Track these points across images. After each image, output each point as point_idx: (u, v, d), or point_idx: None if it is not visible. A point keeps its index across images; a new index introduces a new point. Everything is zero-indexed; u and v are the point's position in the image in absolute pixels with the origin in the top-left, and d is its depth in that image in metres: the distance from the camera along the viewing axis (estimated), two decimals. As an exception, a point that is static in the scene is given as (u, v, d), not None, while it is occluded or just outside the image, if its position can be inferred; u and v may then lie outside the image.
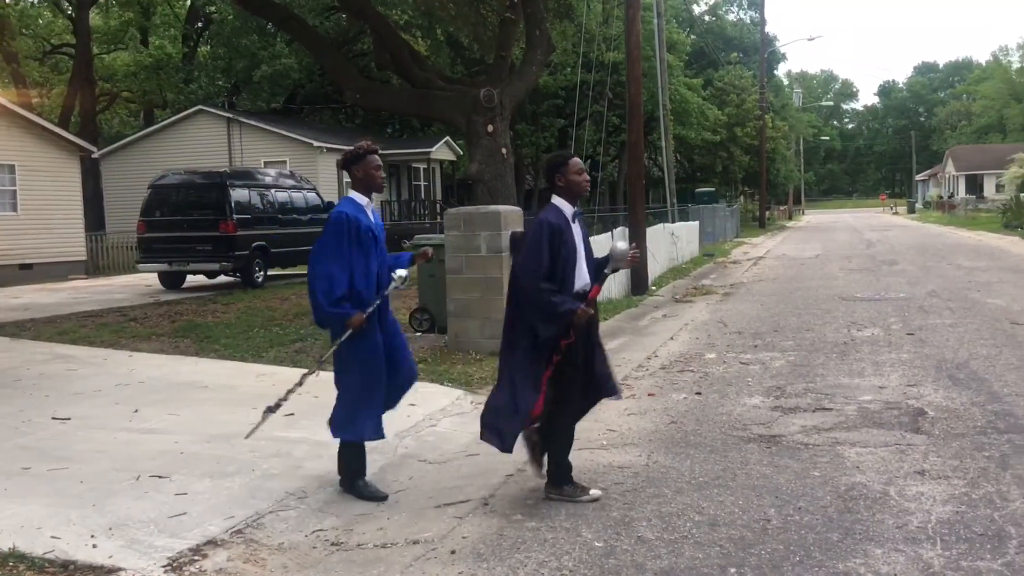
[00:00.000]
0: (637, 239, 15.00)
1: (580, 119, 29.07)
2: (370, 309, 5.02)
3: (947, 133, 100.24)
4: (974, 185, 69.00)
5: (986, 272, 17.29)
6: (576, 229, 4.98)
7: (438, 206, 29.94)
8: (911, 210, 72.05)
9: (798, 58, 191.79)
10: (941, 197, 68.64)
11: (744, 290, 16.00)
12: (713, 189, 39.52)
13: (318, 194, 20.07)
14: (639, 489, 5.11)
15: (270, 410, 5.12)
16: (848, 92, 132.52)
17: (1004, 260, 20.31)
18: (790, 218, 63.61)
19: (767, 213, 47.15)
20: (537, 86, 27.83)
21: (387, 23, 16.19)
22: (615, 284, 14.55)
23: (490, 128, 13.85)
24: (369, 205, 5.25)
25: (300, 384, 5.19)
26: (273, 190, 18.11)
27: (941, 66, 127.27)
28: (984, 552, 4.03)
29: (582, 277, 4.96)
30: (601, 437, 6.29)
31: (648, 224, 18.06)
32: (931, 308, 12.14)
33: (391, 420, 6.76)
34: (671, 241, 20.13)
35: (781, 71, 69.35)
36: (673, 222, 22.87)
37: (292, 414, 6.93)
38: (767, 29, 46.43)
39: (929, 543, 4.16)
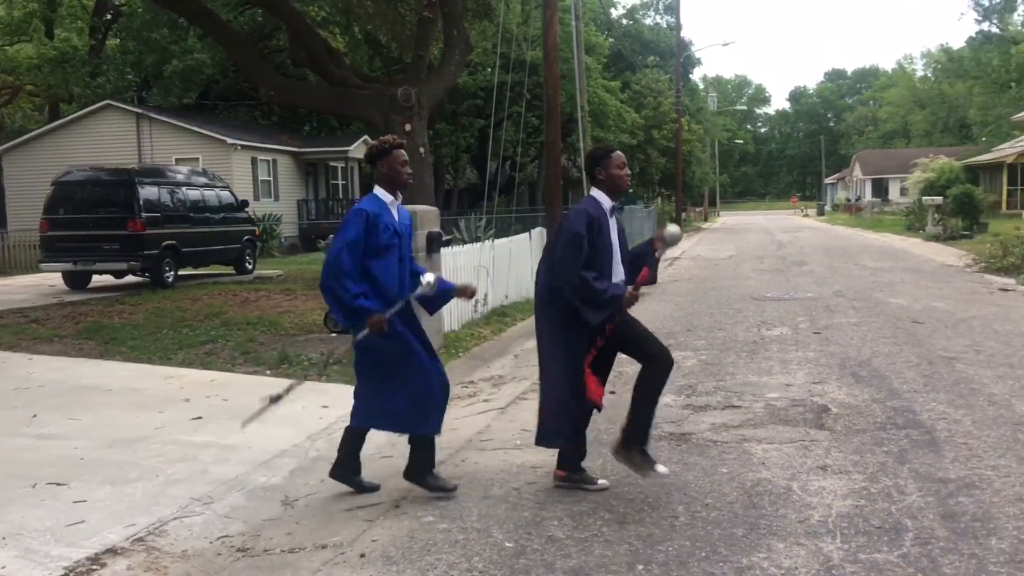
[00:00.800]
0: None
1: (500, 119, 29.13)
2: (392, 310, 4.89)
3: (855, 138, 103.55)
4: (880, 188, 71.40)
5: (890, 272, 17.89)
6: (613, 224, 4.99)
7: (356, 205, 29.62)
8: (821, 212, 74.20)
9: (713, 63, 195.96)
10: (849, 200, 70.87)
11: (659, 290, 16.22)
12: (631, 190, 40.02)
13: (232, 192, 19.66)
14: (551, 489, 5.13)
15: (273, 400, 5.02)
16: (761, 97, 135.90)
17: (907, 261, 21.06)
18: (706, 219, 64.87)
19: (683, 214, 47.98)
20: (456, 86, 27.78)
21: (303, 19, 15.96)
22: (532, 284, 14.60)
23: (408, 127, 13.77)
24: (394, 203, 5.10)
25: (292, 388, 5.23)
26: (184, 188, 17.66)
27: (849, 73, 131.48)
28: (881, 544, 4.16)
29: (617, 273, 4.96)
30: (515, 437, 6.31)
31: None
32: (837, 307, 12.50)
33: (301, 421, 6.68)
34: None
35: (697, 75, 70.85)
36: (591, 223, 23.06)
37: (200, 417, 6.78)
38: (683, 34, 47.25)
39: (829, 536, 4.28)
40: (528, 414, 6.95)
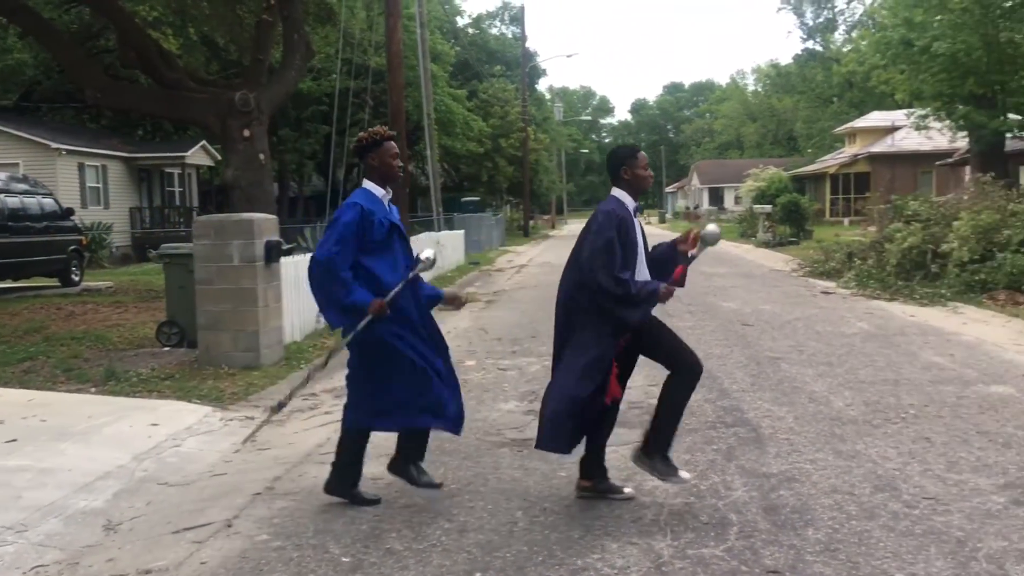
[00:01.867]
0: (400, 248, 15.00)
1: (346, 126, 28.75)
2: (392, 293, 4.73)
3: (693, 148, 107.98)
4: (716, 197, 74.69)
5: (723, 278, 18.70)
6: (636, 224, 4.91)
7: (194, 213, 28.53)
8: (662, 220, 76.91)
9: (559, 74, 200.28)
10: (687, 208, 73.81)
11: (506, 297, 16.40)
12: (479, 198, 40.39)
13: (56, 200, 18.53)
14: (392, 500, 5.07)
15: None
16: (605, 108, 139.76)
17: (740, 267, 22.09)
18: (553, 227, 66.07)
19: (531, 222, 48.77)
20: (300, 91, 27.21)
21: (132, 19, 15.24)
22: (378, 293, 14.45)
23: (247, 132, 13.38)
24: (386, 197, 4.94)
25: (324, 366, 5.22)
26: (2, 195, 16.52)
27: (687, 86, 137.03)
28: (708, 540, 4.31)
29: (642, 272, 4.85)
30: (356, 449, 6.19)
31: (413, 233, 18.12)
32: (674, 312, 12.93)
33: (128, 440, 6.35)
34: (436, 249, 20.26)
35: (543, 85, 72.08)
36: (439, 231, 23.07)
37: (15, 440, 6.34)
38: (528, 44, 48.10)
39: (660, 534, 4.40)
40: (370, 425, 6.87)
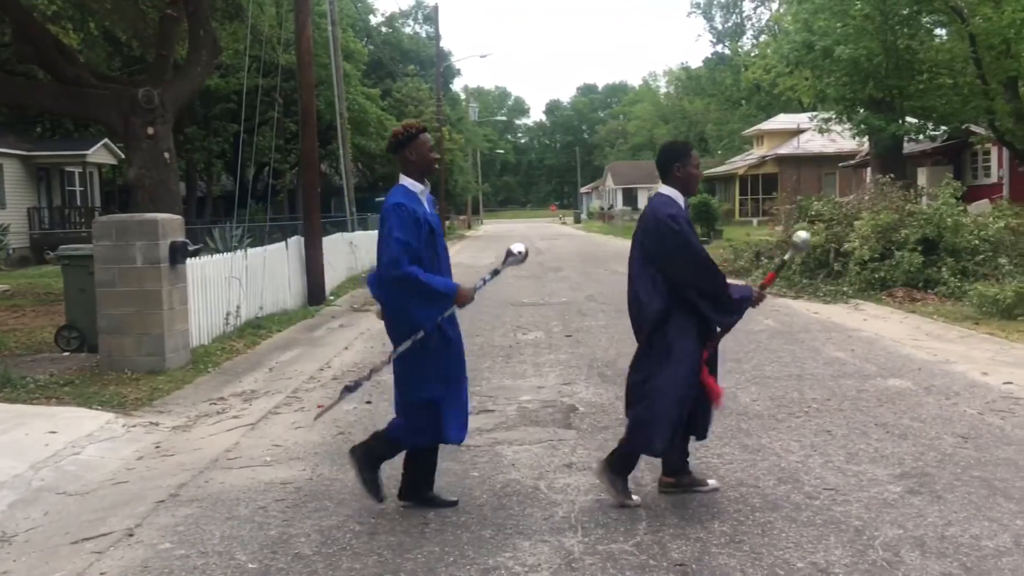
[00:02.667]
0: (313, 249, 14.80)
1: (256, 124, 28.19)
2: (483, 282, 4.76)
3: (607, 149, 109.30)
4: (630, 197, 75.75)
5: (636, 276, 18.93)
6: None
7: (96, 213, 27.61)
8: (577, 220, 77.57)
9: (474, 74, 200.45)
10: (602, 208, 74.64)
11: (421, 298, 16.29)
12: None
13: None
14: (301, 504, 4.98)
15: (348, 390, 4.86)
16: (521, 108, 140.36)
17: (652, 265, 22.41)
18: (469, 227, 66.07)
19: (447, 223, 48.65)
20: (207, 88, 26.60)
21: (27, 12, 14.63)
22: (290, 294, 14.23)
23: (150, 131, 13.00)
24: (424, 192, 4.76)
25: (376, 371, 4.99)
26: None
27: (600, 88, 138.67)
28: (618, 535, 4.36)
29: None
30: (265, 453, 6.08)
31: (326, 233, 17.88)
32: (588, 311, 13.09)
33: (24, 449, 6.10)
34: (350, 250, 20.07)
35: (457, 85, 71.97)
36: (353, 231, 22.82)
37: (-101, 452, 6.03)
38: (443, 44, 47.94)
39: (571, 531, 4.43)
40: (280, 428, 6.77)
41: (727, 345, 9.66)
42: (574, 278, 19.30)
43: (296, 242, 14.72)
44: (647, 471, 5.34)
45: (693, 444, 5.87)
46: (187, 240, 9.50)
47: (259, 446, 6.28)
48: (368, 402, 7.52)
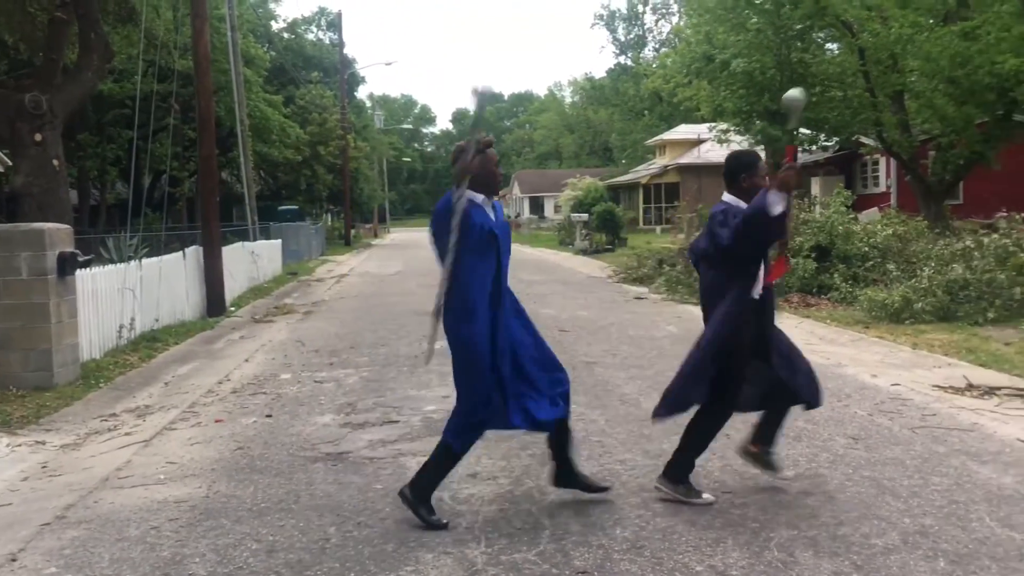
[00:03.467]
0: (212, 259, 14.43)
1: (153, 131, 27.34)
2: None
3: (514, 158, 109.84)
4: (537, 206, 76.24)
5: (542, 285, 19.11)
6: None
7: (-18, 223, 26.33)
8: (484, 228, 77.62)
9: (379, 82, 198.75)
10: (509, 216, 75.00)
11: (326, 308, 16.07)
12: (297, 207, 39.38)
13: None
14: (196, 523, 4.82)
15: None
16: (427, 117, 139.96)
17: (558, 274, 22.63)
18: (376, 236, 65.50)
19: (353, 231, 48.12)
20: (101, 93, 25.70)
21: (-95, 11, 13.91)
22: (188, 306, 13.83)
23: (38, 137, 12.48)
24: (487, 203, 4.76)
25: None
26: None
27: (507, 97, 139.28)
28: (521, 545, 4.35)
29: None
30: (159, 471, 5.87)
31: (226, 242, 17.46)
32: (494, 319, 13.08)
33: None
34: (251, 260, 19.64)
35: (363, 93, 71.29)
36: (254, 240, 22.35)
37: None
38: (347, 51, 47.48)
39: (475, 542, 4.40)
40: (175, 444, 6.55)
41: (630, 351, 9.87)
42: (481, 286, 19.24)
43: (194, 252, 14.32)
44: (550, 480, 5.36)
45: (598, 449, 5.94)
46: (77, 251, 9.13)
47: (153, 464, 6.06)
48: (269, 416, 7.35)
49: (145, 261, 12.21)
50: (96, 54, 13.88)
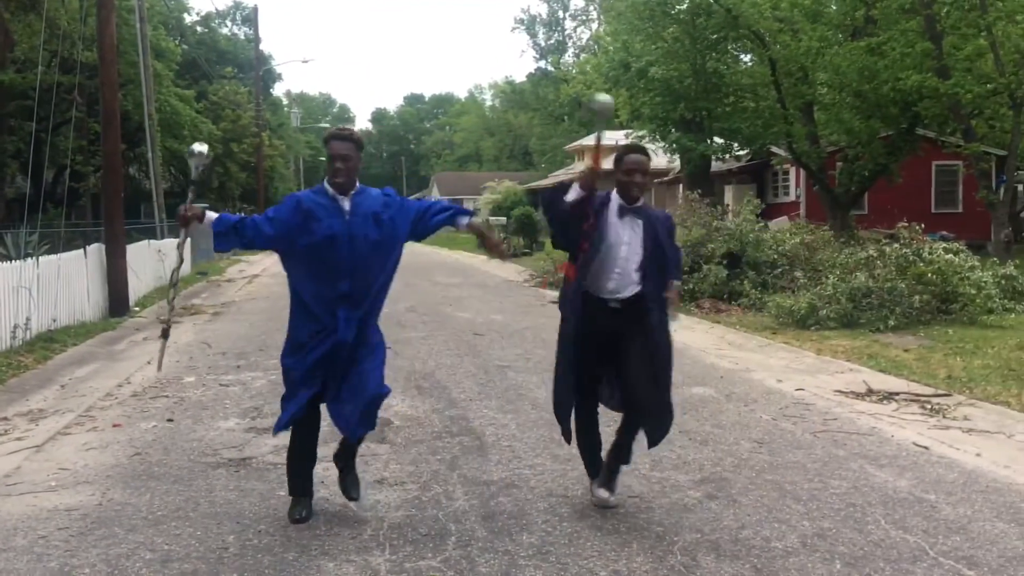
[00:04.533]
0: (115, 257, 13.96)
1: (57, 124, 26.41)
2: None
3: (433, 160, 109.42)
4: (455, 208, 75.97)
5: (459, 288, 19.03)
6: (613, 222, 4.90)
7: None
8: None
9: (296, 79, 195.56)
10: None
11: (235, 309, 15.70)
12: (207, 205, 38.41)
13: None
14: (87, 532, 4.62)
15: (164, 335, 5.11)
16: (345, 116, 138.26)
17: (475, 277, 22.58)
18: (291, 236, 64.24)
19: (267, 231, 47.09)
20: (1, 84, 24.68)
21: None
22: (89, 305, 13.34)
23: (-71, 126, 11.86)
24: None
25: None
26: None
27: (427, 98, 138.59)
28: (426, 551, 4.29)
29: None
30: (51, 478, 5.62)
31: (132, 240, 16.93)
32: (408, 322, 12.97)
33: None
34: (158, 258, 19.06)
35: (279, 90, 70.29)
36: (161, 239, 21.71)
37: None
38: (263, 47, 46.58)
39: (379, 550, 4.32)
40: (69, 449, 6.29)
41: (544, 355, 9.86)
42: (395, 288, 18.78)
43: (96, 249, 13.82)
44: (458, 485, 5.30)
45: (507, 454, 5.91)
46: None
47: (44, 470, 5.80)
48: (170, 420, 7.12)
49: (43, 259, 11.72)
50: (-6, 42, 13.29)
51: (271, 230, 4.70)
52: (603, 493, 4.85)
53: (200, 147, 4.92)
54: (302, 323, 4.81)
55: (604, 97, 4.65)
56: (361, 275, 4.65)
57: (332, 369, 4.71)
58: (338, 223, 4.60)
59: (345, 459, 5.01)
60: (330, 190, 4.67)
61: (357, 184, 4.71)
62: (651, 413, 4.74)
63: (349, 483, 4.98)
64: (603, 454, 4.98)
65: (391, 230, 4.72)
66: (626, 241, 4.68)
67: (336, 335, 4.65)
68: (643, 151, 4.86)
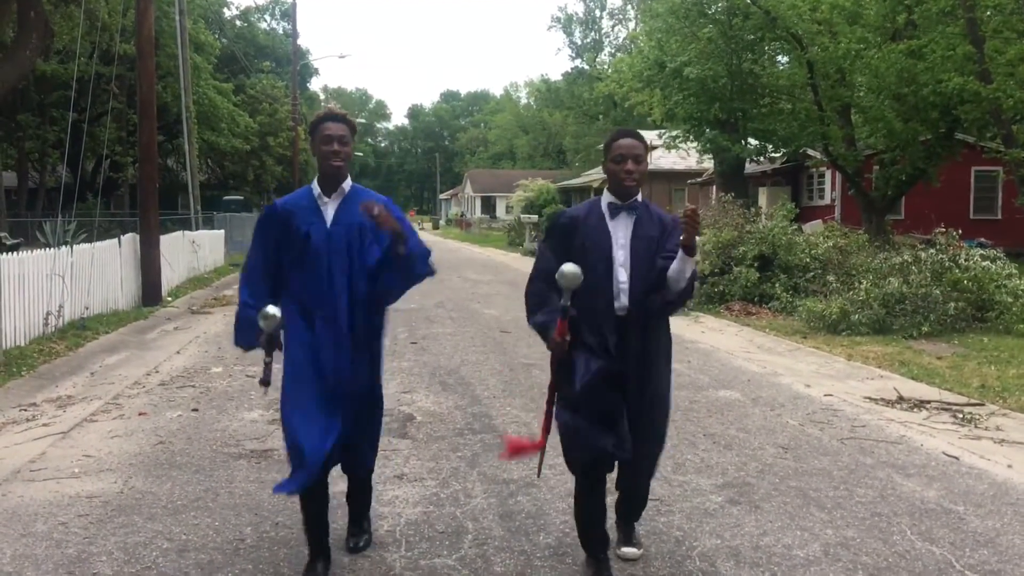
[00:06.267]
0: (149, 247, 14.10)
1: (98, 115, 26.72)
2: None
3: (467, 157, 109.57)
4: (488, 205, 76.12)
5: (488, 285, 19.02)
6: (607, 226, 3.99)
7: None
8: (436, 226, 77.45)
9: (333, 74, 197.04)
10: (461, 215, 74.80)
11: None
12: (243, 198, 38.72)
13: None
14: (107, 519, 4.65)
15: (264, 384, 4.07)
16: (382, 112, 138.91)
17: (505, 274, 22.55)
18: (324, 230, 64.66)
19: (301, 224, 47.40)
20: (44, 74, 25.07)
21: None
22: (122, 294, 13.48)
23: (-30, 115, 12.03)
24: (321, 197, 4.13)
25: None
26: None
27: (463, 95, 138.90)
28: (442, 549, 4.26)
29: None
30: (74, 464, 5.67)
31: (167, 231, 17.10)
32: (436, 318, 12.98)
33: None
34: (192, 249, 19.25)
35: (316, 85, 70.49)
36: (197, 229, 21.91)
37: None
38: (300, 42, 46.88)
39: (395, 545, 4.30)
40: (94, 436, 6.35)
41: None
42: (425, 284, 19.02)
43: (131, 239, 13.97)
44: (477, 483, 5.27)
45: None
46: (4, 233, 8.83)
47: (68, 456, 5.86)
48: (195, 410, 7.16)
49: (77, 247, 11.86)
50: (35, 33, 13.47)
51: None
52: (631, 551, 4.16)
53: (273, 310, 3.91)
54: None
55: (572, 267, 3.65)
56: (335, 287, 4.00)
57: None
58: (317, 228, 3.99)
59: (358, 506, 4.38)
60: (316, 189, 4.05)
61: (349, 180, 4.10)
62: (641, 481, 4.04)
63: (355, 531, 4.35)
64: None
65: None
66: (621, 243, 3.84)
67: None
68: (636, 135, 3.90)
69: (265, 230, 4.08)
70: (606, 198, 3.93)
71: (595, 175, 52.38)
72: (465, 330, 11.80)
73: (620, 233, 3.85)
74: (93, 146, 28.66)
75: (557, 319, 3.73)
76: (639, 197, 3.92)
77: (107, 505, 4.87)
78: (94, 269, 12.12)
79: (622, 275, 3.81)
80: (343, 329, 3.99)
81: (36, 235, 17.26)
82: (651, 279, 3.78)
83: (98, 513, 4.75)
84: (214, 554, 4.20)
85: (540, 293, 3.89)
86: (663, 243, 3.82)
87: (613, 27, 75.00)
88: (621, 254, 3.83)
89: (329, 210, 4.02)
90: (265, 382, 4.02)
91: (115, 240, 13.47)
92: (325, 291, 3.99)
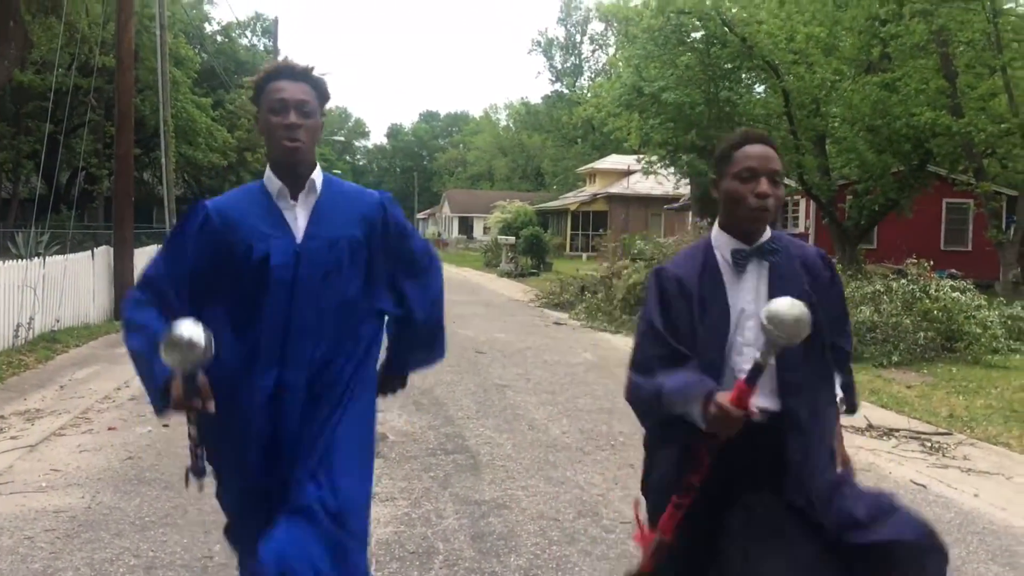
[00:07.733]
0: (122, 260, 14.00)
1: (74, 126, 26.57)
2: None
3: (446, 177, 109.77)
4: (466, 226, 76.19)
5: (464, 305, 18.99)
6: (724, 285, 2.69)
7: None
8: (412, 246, 77.24)
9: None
10: (438, 235, 74.82)
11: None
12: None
13: None
14: (73, 535, 4.60)
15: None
16: (361, 130, 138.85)
17: (481, 295, 22.57)
18: (301, 247, 64.39)
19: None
20: (20, 84, 24.88)
21: None
22: (94, 307, 13.36)
23: (-56, 123, 11.94)
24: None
25: None
26: None
27: (442, 116, 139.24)
28: (412, 569, 4.25)
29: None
30: (41, 479, 5.61)
31: (141, 244, 16.99)
32: (411, 337, 12.94)
33: None
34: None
35: (296, 102, 70.00)
36: (172, 244, 21.74)
37: None
38: (281, 59, 46.57)
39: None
40: (63, 450, 6.29)
41: (544, 376, 9.84)
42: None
43: (104, 252, 13.86)
44: (449, 503, 5.27)
45: (501, 474, 5.87)
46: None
47: (36, 470, 5.79)
48: (166, 425, 7.09)
49: (49, 259, 11.76)
50: (14, 43, 13.41)
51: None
52: None
53: (188, 332, 2.40)
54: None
55: (792, 307, 2.32)
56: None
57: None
58: (280, 246, 2.69)
59: None
60: (273, 185, 2.76)
61: (319, 169, 2.80)
62: None
63: None
64: None
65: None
66: (751, 312, 2.51)
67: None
68: (769, 141, 2.60)
69: (183, 244, 2.69)
70: (724, 241, 2.62)
71: (572, 198, 52.72)
72: (440, 350, 11.78)
73: (747, 293, 2.55)
74: (69, 158, 28.49)
75: (737, 382, 2.35)
76: (767, 233, 2.59)
77: (74, 520, 4.81)
78: (66, 281, 12.02)
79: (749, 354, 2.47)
80: (300, 401, 2.70)
81: (8, 246, 17.11)
82: (815, 358, 2.53)
83: (65, 528, 4.69)
84: (181, 571, 4.17)
85: (653, 375, 2.48)
86: (809, 289, 2.54)
87: (593, 52, 75.64)
88: (751, 325, 2.50)
89: (298, 218, 2.73)
90: (197, 472, 2.69)
91: (88, 253, 13.37)
92: (280, 342, 2.66)
